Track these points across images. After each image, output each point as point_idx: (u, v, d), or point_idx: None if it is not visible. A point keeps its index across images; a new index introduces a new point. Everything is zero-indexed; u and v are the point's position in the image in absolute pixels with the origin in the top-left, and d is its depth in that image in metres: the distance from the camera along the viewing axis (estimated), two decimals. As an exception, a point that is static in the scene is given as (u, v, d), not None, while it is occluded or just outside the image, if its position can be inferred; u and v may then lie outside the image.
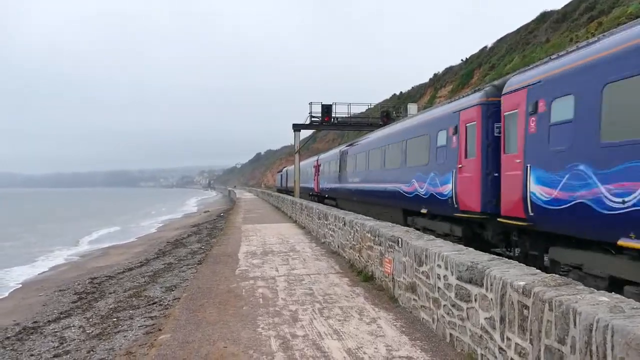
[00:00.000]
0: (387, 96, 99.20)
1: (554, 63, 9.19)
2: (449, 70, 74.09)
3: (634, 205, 6.65)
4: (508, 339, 4.64)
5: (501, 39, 61.14)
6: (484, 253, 6.28)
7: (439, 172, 13.75)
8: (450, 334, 6.05)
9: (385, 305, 8.03)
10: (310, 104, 35.47)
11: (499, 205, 10.54)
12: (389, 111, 38.24)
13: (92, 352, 7.93)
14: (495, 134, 11.29)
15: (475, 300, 5.37)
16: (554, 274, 4.72)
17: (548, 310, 3.96)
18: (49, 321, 11.70)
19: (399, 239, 8.19)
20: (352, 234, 11.90)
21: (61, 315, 12.08)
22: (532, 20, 53.15)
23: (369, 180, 21.10)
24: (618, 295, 3.86)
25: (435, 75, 79.28)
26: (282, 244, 16.32)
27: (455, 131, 12.83)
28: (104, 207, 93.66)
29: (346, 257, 12.65)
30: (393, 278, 8.44)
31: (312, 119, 35.63)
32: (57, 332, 10.31)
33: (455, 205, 12.62)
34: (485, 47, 65.16)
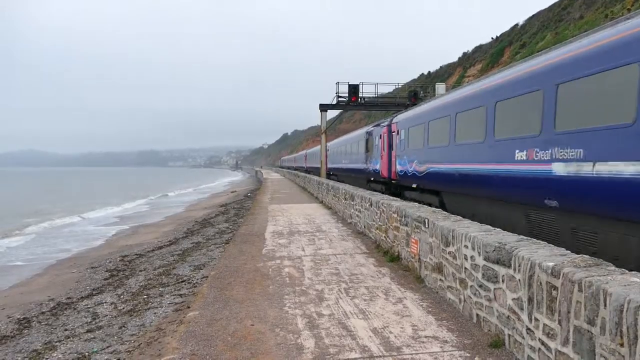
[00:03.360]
0: (415, 76, 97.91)
1: (403, 113, 21.00)
2: (479, 48, 72.61)
3: (413, 171, 17.30)
4: (536, 319, 4.59)
5: (533, 16, 59.59)
6: (511, 234, 6.21)
7: (375, 158, 24.76)
8: (477, 315, 6.02)
9: (412, 285, 8.01)
10: (337, 83, 35.06)
11: (391, 174, 21.27)
12: (416, 91, 37.67)
13: (123, 328, 8.14)
14: (392, 141, 21.62)
15: (503, 281, 5.32)
16: (583, 255, 4.65)
17: (577, 291, 3.90)
18: (82, 297, 12.03)
19: (426, 220, 8.14)
20: (379, 215, 11.88)
21: (94, 292, 12.41)
22: (566, -4, 51.53)
23: (351, 162, 32.53)
24: (650, 277, 3.81)
25: (464, 54, 77.81)
26: (309, 224, 16.38)
27: (381, 137, 23.29)
28: (133, 185, 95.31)
29: (372, 237, 12.65)
30: (419, 258, 8.42)
31: (339, 99, 35.26)
32: (90, 308, 10.60)
33: (380, 175, 23.35)
34: (517, 24, 63.61)
